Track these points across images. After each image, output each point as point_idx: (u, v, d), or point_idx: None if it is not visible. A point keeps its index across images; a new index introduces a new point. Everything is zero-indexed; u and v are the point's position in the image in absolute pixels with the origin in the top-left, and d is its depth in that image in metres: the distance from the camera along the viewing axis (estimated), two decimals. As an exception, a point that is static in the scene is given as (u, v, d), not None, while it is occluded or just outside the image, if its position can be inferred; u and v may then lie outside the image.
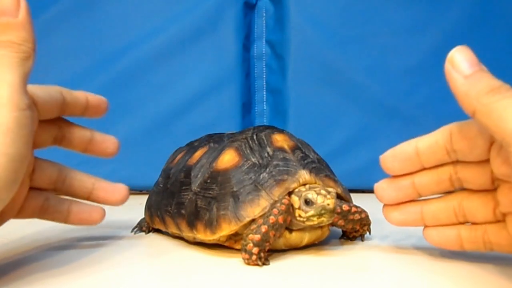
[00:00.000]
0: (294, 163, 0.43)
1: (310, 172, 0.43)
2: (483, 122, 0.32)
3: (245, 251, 0.40)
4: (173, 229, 0.47)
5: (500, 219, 0.38)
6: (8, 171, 0.33)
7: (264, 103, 0.91)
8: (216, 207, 0.42)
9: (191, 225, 0.44)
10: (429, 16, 0.88)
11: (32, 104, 0.37)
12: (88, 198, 0.45)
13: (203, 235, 0.43)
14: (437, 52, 0.87)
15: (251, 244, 0.40)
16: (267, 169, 0.43)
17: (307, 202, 0.41)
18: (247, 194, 0.42)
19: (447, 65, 0.34)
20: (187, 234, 0.45)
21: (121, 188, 0.46)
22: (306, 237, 0.44)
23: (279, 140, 0.46)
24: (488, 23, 0.88)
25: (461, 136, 0.37)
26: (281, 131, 0.47)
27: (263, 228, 0.40)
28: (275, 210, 0.40)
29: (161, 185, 0.50)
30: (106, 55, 0.87)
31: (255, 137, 0.46)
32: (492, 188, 0.38)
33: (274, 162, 0.43)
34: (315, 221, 0.41)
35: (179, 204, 0.46)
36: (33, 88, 0.39)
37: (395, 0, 0.88)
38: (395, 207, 0.42)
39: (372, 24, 0.88)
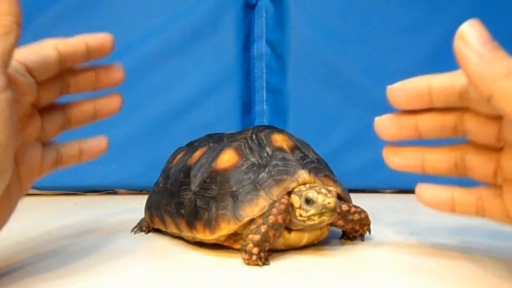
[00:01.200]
0: (293, 163, 0.43)
1: (309, 172, 0.43)
2: (502, 107, 0.29)
3: (245, 251, 0.40)
4: (172, 229, 0.47)
5: (498, 184, 0.36)
6: None
7: (264, 103, 0.91)
8: (215, 207, 0.42)
9: (190, 225, 0.44)
10: (429, 16, 0.88)
11: (13, 82, 0.34)
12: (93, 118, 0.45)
13: (202, 235, 0.43)
14: (438, 52, 0.87)
15: (251, 245, 0.40)
16: (266, 169, 0.43)
17: (308, 201, 0.40)
18: (246, 194, 0.42)
19: (457, 42, 0.30)
20: (187, 234, 0.45)
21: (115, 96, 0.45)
22: (305, 237, 0.44)
23: (279, 140, 0.46)
24: (488, 23, 0.88)
25: None
26: (280, 131, 0.47)
27: (263, 228, 0.40)
28: (274, 210, 0.40)
29: (161, 185, 0.50)
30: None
31: (254, 137, 0.46)
32: (496, 146, 0.36)
33: (273, 162, 0.43)
34: (316, 220, 0.41)
35: (179, 204, 0.46)
36: (24, 53, 0.36)
37: (395, 0, 0.88)
38: (396, 150, 0.40)
39: (372, 24, 0.88)
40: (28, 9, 0.90)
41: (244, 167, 0.43)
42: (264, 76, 0.91)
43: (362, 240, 0.48)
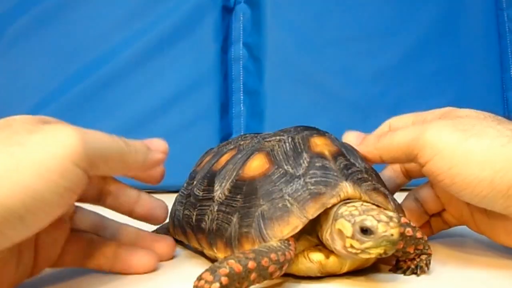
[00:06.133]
0: (335, 173, 0.35)
1: (354, 184, 0.35)
2: None
3: (210, 271, 0.30)
4: (194, 244, 0.41)
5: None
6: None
7: (241, 104, 0.92)
8: (239, 223, 0.35)
9: (211, 242, 0.37)
10: (400, 20, 0.91)
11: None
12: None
13: (223, 255, 0.36)
14: (408, 55, 0.91)
15: (226, 269, 0.30)
16: (302, 180, 0.35)
17: (364, 231, 0.31)
18: (275, 210, 0.34)
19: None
20: (208, 251, 0.39)
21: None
22: (347, 264, 0.36)
23: (319, 144, 0.38)
24: (459, 27, 0.93)
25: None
26: (322, 133, 0.40)
27: (250, 264, 0.31)
28: (273, 256, 0.32)
29: (185, 192, 0.44)
30: (86, 58, 0.87)
31: (290, 140, 0.38)
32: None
33: (311, 171, 0.36)
34: (373, 254, 0.32)
35: (200, 216, 0.39)
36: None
37: (366, 7, 0.91)
38: None
39: (345, 29, 0.91)
40: (6, 11, 0.87)
41: (275, 176, 0.36)
42: (241, 78, 0.92)
43: (417, 275, 0.37)
